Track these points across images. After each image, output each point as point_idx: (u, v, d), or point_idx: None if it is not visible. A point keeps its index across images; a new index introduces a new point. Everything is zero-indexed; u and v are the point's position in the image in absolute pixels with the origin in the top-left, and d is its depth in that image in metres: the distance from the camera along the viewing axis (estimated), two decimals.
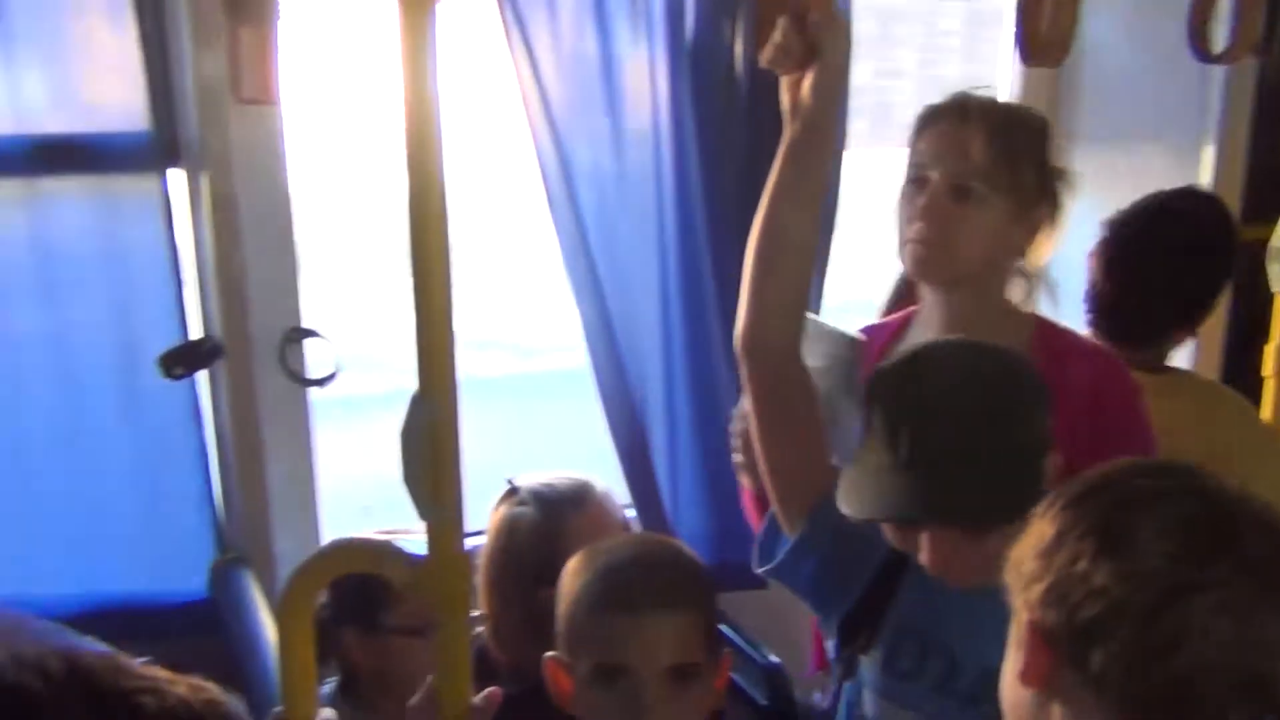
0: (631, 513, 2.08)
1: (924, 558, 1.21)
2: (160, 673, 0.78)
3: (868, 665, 1.31)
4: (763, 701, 1.82)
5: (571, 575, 1.33)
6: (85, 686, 0.74)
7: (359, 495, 3.33)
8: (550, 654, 1.33)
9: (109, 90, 1.83)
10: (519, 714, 1.18)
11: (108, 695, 0.74)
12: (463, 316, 1.05)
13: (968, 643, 1.25)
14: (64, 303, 1.84)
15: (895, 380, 1.22)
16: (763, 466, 1.37)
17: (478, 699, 1.12)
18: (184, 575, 1.95)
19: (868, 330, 1.61)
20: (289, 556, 1.91)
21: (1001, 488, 1.15)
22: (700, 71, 1.98)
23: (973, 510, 1.17)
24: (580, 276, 2.04)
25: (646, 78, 2.00)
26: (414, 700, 1.13)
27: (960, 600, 1.23)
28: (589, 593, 1.29)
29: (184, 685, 0.79)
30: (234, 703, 0.82)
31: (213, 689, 0.81)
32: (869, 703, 1.31)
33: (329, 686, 1.58)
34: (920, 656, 1.28)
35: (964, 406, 1.17)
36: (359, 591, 1.51)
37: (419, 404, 1.03)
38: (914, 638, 1.28)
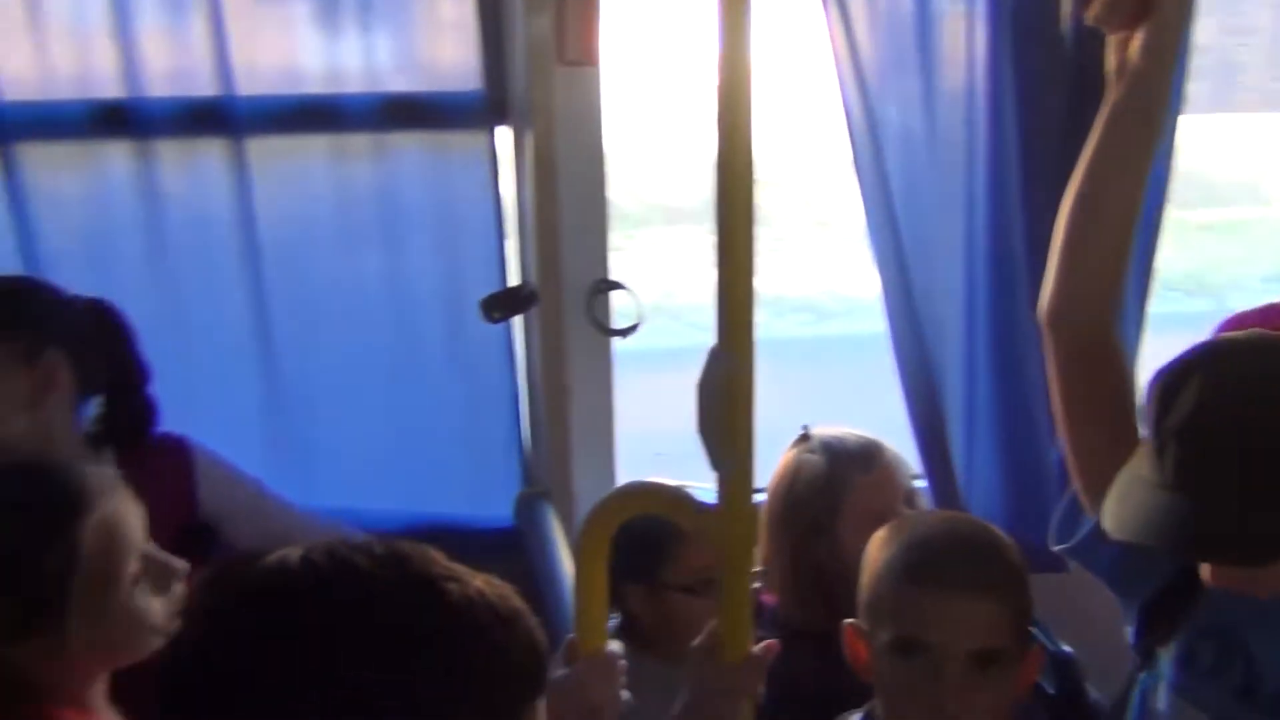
0: (921, 484, 2.05)
1: (1204, 571, 1.12)
2: (462, 567, 0.87)
3: (1165, 658, 1.24)
4: (1051, 690, 1.75)
5: (879, 545, 1.32)
6: (401, 568, 0.84)
7: (652, 443, 3.45)
8: (849, 620, 1.33)
9: (448, 52, 1.97)
10: (780, 658, 1.19)
11: (418, 577, 0.84)
12: (761, 275, 1.07)
13: (1270, 650, 1.15)
14: (401, 248, 2.00)
15: (1169, 384, 1.10)
16: (1065, 443, 1.32)
17: (757, 648, 1.15)
18: (492, 503, 2.09)
19: (1264, 310, 1.49)
20: (587, 494, 2.01)
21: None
22: (1022, 29, 1.89)
23: (1240, 547, 1.04)
24: (883, 240, 2.01)
25: (963, 36, 1.93)
26: (696, 642, 1.17)
27: (1266, 604, 1.14)
28: (896, 564, 1.28)
29: (481, 579, 0.87)
30: (523, 603, 0.89)
31: (506, 587, 0.88)
32: (1163, 698, 1.24)
33: (612, 622, 1.67)
34: (1221, 657, 1.19)
35: (1243, 422, 1.04)
36: (640, 548, 1.57)
37: (718, 357, 1.06)
38: (1214, 636, 1.20)
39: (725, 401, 1.05)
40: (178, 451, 1.67)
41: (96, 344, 1.63)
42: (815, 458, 1.66)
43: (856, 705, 1.34)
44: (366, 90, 1.93)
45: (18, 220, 1.85)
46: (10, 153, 1.83)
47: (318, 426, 2.03)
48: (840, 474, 1.64)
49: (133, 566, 1.23)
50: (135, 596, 1.23)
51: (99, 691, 1.25)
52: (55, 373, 1.57)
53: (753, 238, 1.07)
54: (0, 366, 1.53)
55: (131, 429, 1.66)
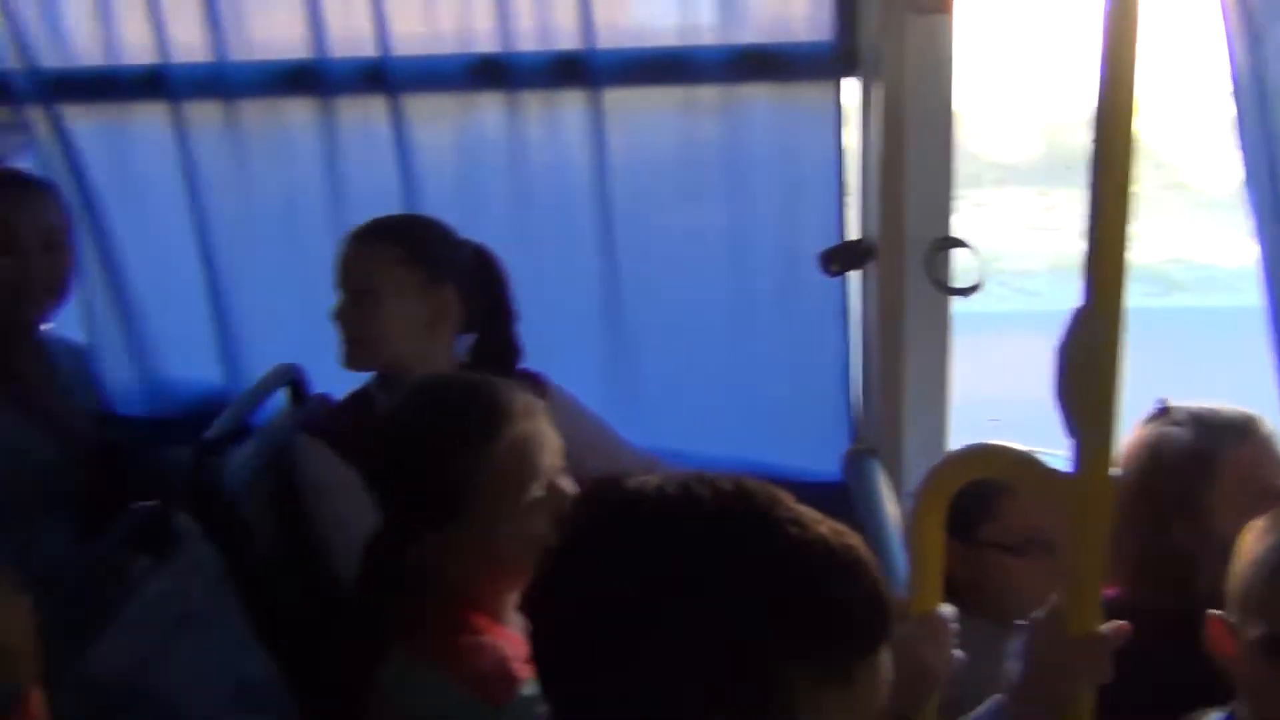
0: None
1: None
2: (810, 511, 0.87)
3: None
4: None
5: (1255, 534, 1.22)
6: (743, 504, 0.86)
7: (980, 409, 3.34)
8: (1216, 612, 1.25)
9: (799, 3, 1.97)
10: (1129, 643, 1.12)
11: (759, 516, 0.85)
12: None
13: None
14: (743, 198, 2.03)
15: None
16: None
17: (1106, 627, 1.10)
18: (820, 457, 2.09)
19: None
20: (918, 454, 1.97)
21: None
22: None
23: None
24: (1264, 205, 1.83)
25: None
26: (1039, 613, 1.13)
27: None
28: (1272, 556, 1.18)
29: (826, 526, 0.87)
30: (870, 554, 0.88)
31: (853, 536, 0.88)
32: None
33: None
34: None
35: None
36: (962, 504, 1.53)
37: (1084, 320, 1.01)
38: None
39: (1090, 365, 1.01)
40: (535, 386, 1.79)
41: (480, 284, 1.78)
42: (1180, 430, 1.55)
43: (1214, 703, 1.25)
44: (719, 42, 1.96)
45: (402, 165, 2.03)
46: (399, 103, 2.00)
47: (656, 370, 2.11)
48: (1211, 446, 1.52)
49: (537, 490, 1.31)
50: (532, 517, 1.29)
51: (509, 604, 1.33)
52: (448, 304, 1.73)
53: (1129, 196, 1.02)
54: (405, 289, 1.71)
55: (499, 364, 1.79)
